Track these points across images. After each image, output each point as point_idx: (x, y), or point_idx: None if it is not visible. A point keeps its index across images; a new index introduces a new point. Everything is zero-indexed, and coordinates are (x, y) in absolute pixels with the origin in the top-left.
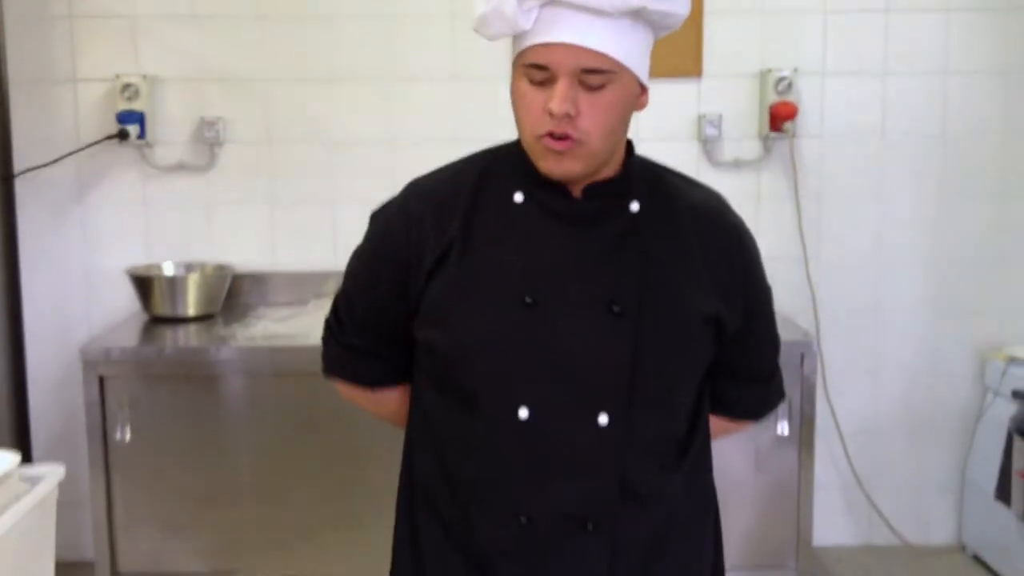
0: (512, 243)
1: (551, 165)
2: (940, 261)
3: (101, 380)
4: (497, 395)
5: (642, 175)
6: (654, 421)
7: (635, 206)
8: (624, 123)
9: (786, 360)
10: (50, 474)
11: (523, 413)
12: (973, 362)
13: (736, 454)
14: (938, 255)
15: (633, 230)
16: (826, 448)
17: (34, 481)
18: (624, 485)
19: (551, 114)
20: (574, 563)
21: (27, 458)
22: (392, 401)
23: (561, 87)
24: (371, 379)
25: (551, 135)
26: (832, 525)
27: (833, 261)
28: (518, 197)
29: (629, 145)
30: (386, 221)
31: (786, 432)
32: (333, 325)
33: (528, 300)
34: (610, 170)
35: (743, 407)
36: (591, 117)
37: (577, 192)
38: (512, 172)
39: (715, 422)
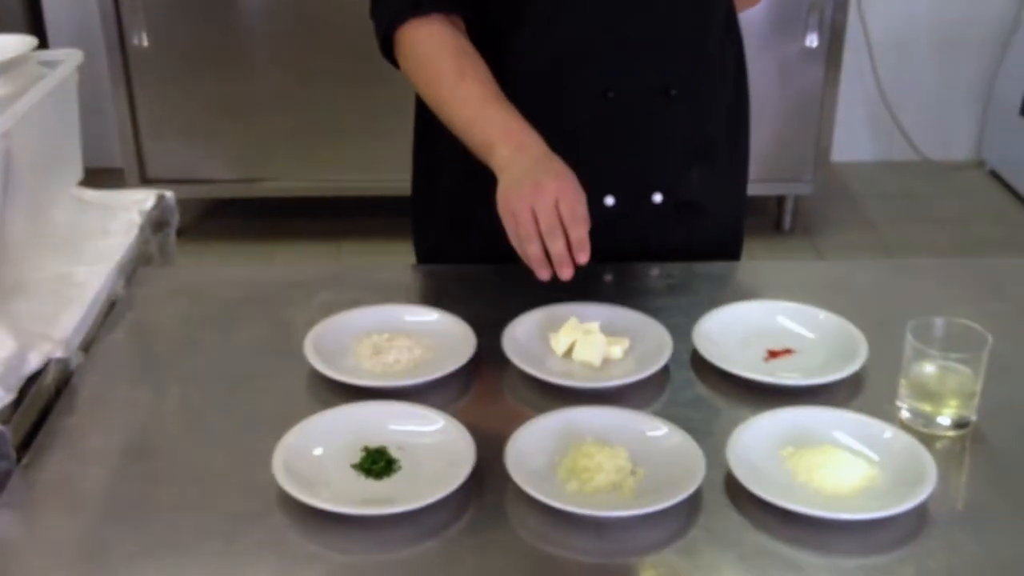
0: None
1: None
2: None
3: None
4: None
5: None
6: None
7: None
8: None
9: None
10: (68, 57)
11: None
12: None
13: (761, 67)
14: None
15: None
16: (854, 61)
17: (53, 66)
18: (699, 48)
19: None
20: (658, 129)
21: None
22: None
23: None
24: None
25: None
26: (853, 140)
27: None
28: None
29: None
30: None
31: (815, 44)
32: None
33: None
34: None
35: None
36: None
37: None
38: None
39: None
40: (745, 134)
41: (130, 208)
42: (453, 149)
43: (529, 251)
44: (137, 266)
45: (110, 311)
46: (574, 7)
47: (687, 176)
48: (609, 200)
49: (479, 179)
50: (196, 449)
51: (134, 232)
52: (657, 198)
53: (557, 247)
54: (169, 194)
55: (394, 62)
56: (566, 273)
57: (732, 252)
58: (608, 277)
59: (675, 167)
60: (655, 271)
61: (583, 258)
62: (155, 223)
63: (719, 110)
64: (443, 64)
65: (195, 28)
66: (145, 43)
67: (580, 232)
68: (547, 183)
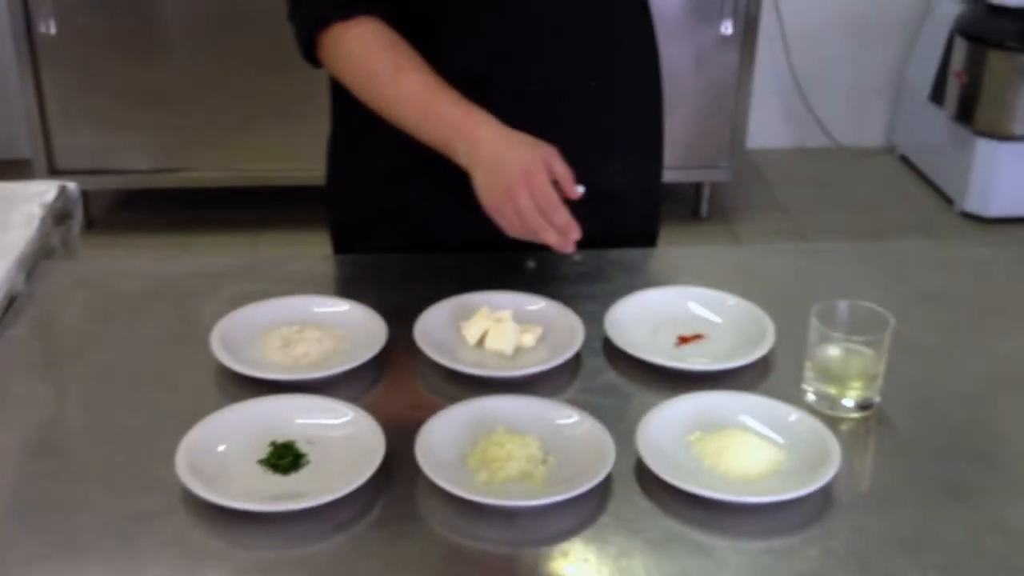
0: None
1: None
2: None
3: None
4: None
5: None
6: None
7: None
8: None
9: None
10: None
11: None
12: None
13: (677, 55)
14: None
15: None
16: (768, 49)
17: None
18: (615, 40)
19: None
20: (579, 121)
21: None
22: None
23: None
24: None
25: None
26: (767, 128)
27: None
28: None
29: None
30: None
31: (729, 31)
32: None
33: None
34: None
35: None
36: None
37: None
38: None
39: None
40: (660, 124)
41: (31, 200)
42: (378, 136)
43: (536, 240)
44: (38, 260)
45: (9, 306)
46: (492, 9)
47: (608, 167)
48: None
49: (407, 165)
50: (99, 447)
51: (35, 225)
52: (579, 190)
53: (548, 240)
54: (72, 185)
55: (316, 64)
56: (568, 250)
57: (649, 241)
58: (520, 265)
59: (596, 158)
60: (568, 259)
61: (574, 235)
62: (57, 215)
63: (636, 100)
64: (377, 63)
65: (104, 15)
66: (52, 30)
67: (559, 218)
68: (515, 182)
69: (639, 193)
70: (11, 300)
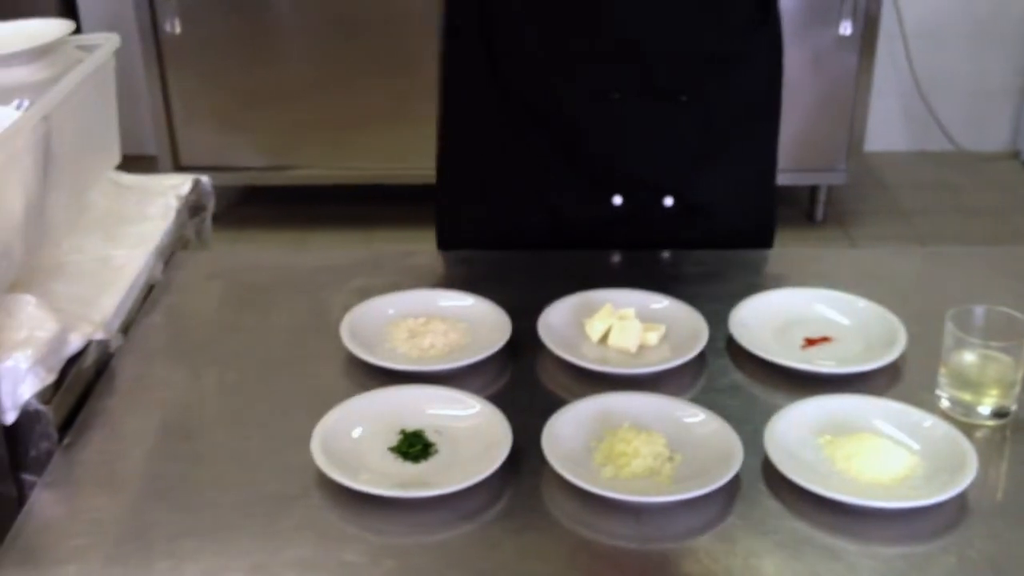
0: None
1: None
2: None
3: None
4: None
5: None
6: None
7: None
8: None
9: None
10: (106, 41)
11: None
12: None
13: (794, 54)
14: None
15: None
16: (887, 50)
17: (90, 51)
18: (712, 49)
19: None
20: (665, 132)
21: None
22: None
23: None
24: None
25: None
26: (887, 130)
27: None
28: None
29: None
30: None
31: (848, 31)
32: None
33: None
34: None
35: None
36: None
37: None
38: None
39: None
40: (771, 125)
41: (167, 192)
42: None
43: None
44: (174, 250)
45: (148, 294)
46: (574, 9)
47: (697, 180)
48: (617, 199)
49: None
50: (234, 430)
51: (171, 216)
52: (668, 201)
53: None
54: (205, 179)
55: None
56: None
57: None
58: (641, 264)
59: (684, 171)
60: (688, 258)
61: None
62: (191, 207)
63: (737, 108)
64: None
65: (227, 15)
66: (177, 30)
67: None
68: None
69: (735, 206)
70: (150, 288)
